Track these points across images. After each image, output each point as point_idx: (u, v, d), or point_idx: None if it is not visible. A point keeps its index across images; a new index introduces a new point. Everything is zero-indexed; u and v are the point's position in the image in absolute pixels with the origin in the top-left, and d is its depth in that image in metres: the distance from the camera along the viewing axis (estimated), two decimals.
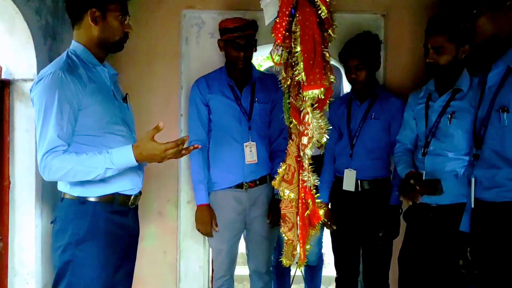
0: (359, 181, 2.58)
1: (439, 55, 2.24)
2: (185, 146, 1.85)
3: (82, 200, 1.83)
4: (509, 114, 1.73)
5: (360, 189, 2.59)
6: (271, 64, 2.62)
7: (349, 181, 2.59)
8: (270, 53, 1.90)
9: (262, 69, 4.43)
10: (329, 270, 3.69)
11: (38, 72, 2.23)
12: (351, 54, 2.54)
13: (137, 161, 1.77)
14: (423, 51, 2.38)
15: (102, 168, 1.75)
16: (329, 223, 2.62)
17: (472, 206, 1.90)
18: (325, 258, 3.47)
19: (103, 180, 1.82)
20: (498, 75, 1.82)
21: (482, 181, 1.84)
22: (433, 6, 2.80)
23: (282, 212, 2.05)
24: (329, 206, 2.71)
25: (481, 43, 1.85)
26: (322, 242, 3.23)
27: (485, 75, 1.89)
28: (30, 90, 1.82)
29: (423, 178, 2.26)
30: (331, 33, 1.81)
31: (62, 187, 1.88)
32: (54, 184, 1.92)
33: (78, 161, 1.74)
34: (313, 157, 1.99)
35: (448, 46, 2.23)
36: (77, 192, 1.83)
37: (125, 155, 1.76)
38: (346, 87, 3.22)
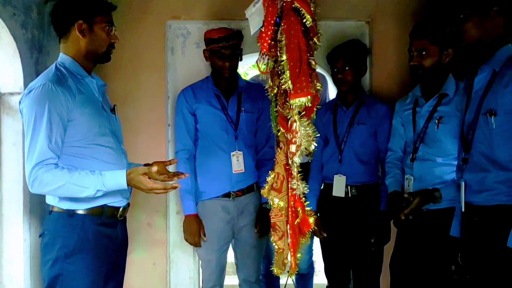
0: (348, 186, 2.59)
1: (423, 58, 2.26)
2: (172, 156, 1.85)
3: (71, 213, 1.82)
4: (497, 117, 1.74)
5: (350, 195, 2.59)
6: (257, 72, 2.63)
7: (339, 186, 2.59)
8: (256, 62, 1.91)
9: (248, 77, 4.44)
10: (320, 278, 3.69)
11: (25, 85, 2.23)
12: (339, 54, 2.58)
13: (127, 186, 1.79)
14: (407, 57, 2.41)
15: (93, 189, 1.75)
16: (319, 230, 2.63)
17: (463, 210, 1.90)
18: (316, 265, 3.47)
19: None
20: (484, 79, 1.83)
21: (472, 185, 1.84)
22: (417, 12, 2.84)
23: (272, 221, 2.05)
24: (317, 214, 2.72)
25: (466, 48, 1.86)
26: (312, 250, 3.23)
27: (471, 79, 1.90)
28: (19, 102, 1.82)
29: (412, 184, 2.29)
30: (316, 41, 1.83)
31: (50, 200, 1.87)
32: (42, 197, 1.91)
33: (70, 178, 1.73)
34: (301, 165, 2.00)
35: (432, 49, 2.25)
36: (66, 205, 1.82)
37: (118, 180, 1.77)
38: (332, 95, 3.25)
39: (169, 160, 1.95)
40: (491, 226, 1.77)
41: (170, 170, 2.88)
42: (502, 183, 1.75)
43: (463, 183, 1.88)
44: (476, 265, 1.81)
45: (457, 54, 2.25)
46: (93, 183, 1.75)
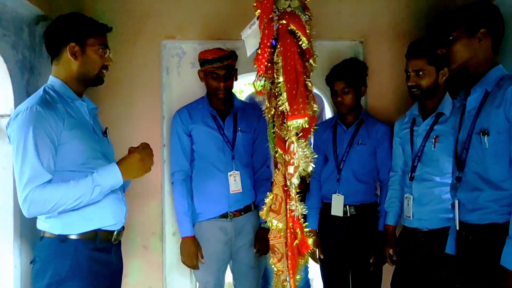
0: (347, 206, 2.58)
1: (420, 78, 2.28)
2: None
3: (63, 238, 1.78)
4: (490, 137, 1.76)
5: (348, 214, 2.58)
6: (252, 89, 2.64)
7: (337, 206, 2.59)
8: (253, 83, 1.90)
9: (243, 94, 4.44)
10: None
11: (15, 107, 2.19)
12: (337, 77, 2.57)
13: (122, 172, 1.79)
14: (401, 76, 2.42)
15: (90, 188, 1.73)
16: (317, 252, 2.60)
17: (457, 228, 1.91)
18: (313, 283, 3.43)
19: (84, 217, 1.79)
20: (476, 99, 1.85)
21: (465, 204, 1.86)
22: (409, 33, 2.87)
23: (271, 243, 2.02)
24: (317, 231, 2.69)
25: (456, 69, 1.89)
26: (308, 267, 3.20)
27: (464, 99, 1.92)
28: (7, 127, 1.78)
29: (411, 202, 2.30)
30: (312, 63, 1.82)
31: (41, 225, 1.82)
32: (33, 222, 1.86)
33: (67, 189, 1.71)
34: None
35: (428, 69, 2.27)
36: (58, 230, 1.78)
37: (109, 169, 1.78)
38: (328, 114, 3.25)
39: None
40: (485, 244, 1.78)
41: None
42: (494, 202, 1.77)
43: (456, 201, 1.90)
44: (472, 283, 1.82)
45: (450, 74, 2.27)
46: (88, 183, 1.73)
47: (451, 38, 1.86)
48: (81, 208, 1.77)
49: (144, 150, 1.86)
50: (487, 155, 1.78)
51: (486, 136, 1.77)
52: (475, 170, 1.82)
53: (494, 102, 1.78)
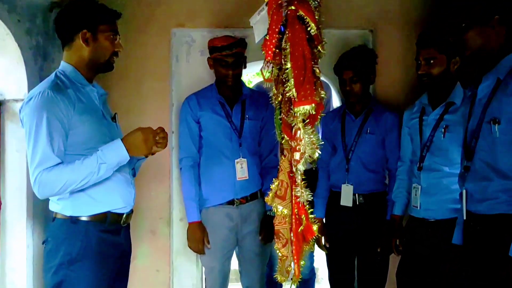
0: (356, 195, 2.58)
1: (431, 67, 2.26)
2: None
3: (74, 220, 1.82)
4: (500, 125, 1.74)
5: (357, 203, 2.58)
6: (261, 79, 2.65)
7: (347, 196, 2.59)
8: (261, 69, 1.92)
9: (252, 85, 4.45)
10: (322, 285, 3.67)
11: (29, 92, 2.24)
12: (346, 66, 2.56)
13: (126, 148, 1.78)
14: (411, 65, 2.41)
15: (96, 166, 1.75)
16: (323, 242, 2.61)
17: (464, 218, 1.89)
18: (318, 273, 3.46)
19: (94, 199, 1.83)
20: (488, 87, 1.82)
21: (474, 194, 1.84)
22: (419, 21, 2.86)
23: (275, 228, 2.04)
24: (324, 222, 2.70)
25: (470, 56, 1.86)
26: (313, 255, 3.22)
27: (475, 87, 1.89)
28: (20, 111, 1.82)
29: (419, 193, 2.30)
30: (320, 49, 1.83)
31: (53, 206, 1.87)
32: (45, 203, 1.91)
33: (72, 170, 1.74)
34: (305, 172, 2.00)
35: (439, 57, 2.25)
36: (69, 211, 1.82)
37: (114, 146, 1.79)
38: (336, 103, 3.25)
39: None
40: (493, 235, 1.76)
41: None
42: (503, 192, 1.74)
43: (464, 191, 1.88)
44: (479, 274, 1.80)
45: (462, 62, 2.26)
46: (93, 161, 1.75)
47: (463, 25, 1.82)
48: (92, 190, 1.81)
49: (148, 130, 1.84)
50: (497, 144, 1.75)
51: (496, 124, 1.74)
52: (485, 160, 1.79)
53: (506, 90, 1.75)
